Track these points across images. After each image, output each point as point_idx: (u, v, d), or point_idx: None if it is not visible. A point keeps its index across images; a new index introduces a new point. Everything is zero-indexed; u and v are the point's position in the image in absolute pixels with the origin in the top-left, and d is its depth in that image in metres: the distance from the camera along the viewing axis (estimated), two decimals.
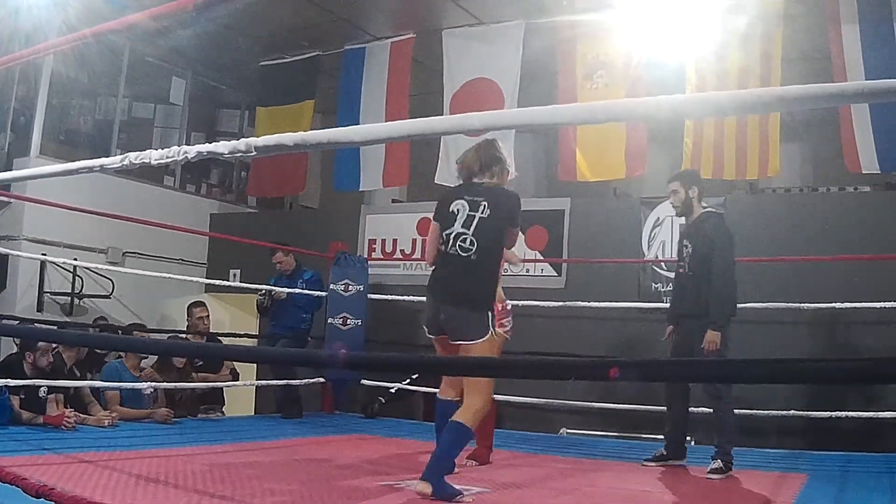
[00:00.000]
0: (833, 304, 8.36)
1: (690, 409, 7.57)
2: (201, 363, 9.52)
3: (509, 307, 6.88)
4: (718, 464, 6.54)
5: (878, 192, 9.89)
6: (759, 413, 8.32)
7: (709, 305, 6.72)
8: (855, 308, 8.31)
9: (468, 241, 5.51)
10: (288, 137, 3.08)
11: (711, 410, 6.98)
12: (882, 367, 2.31)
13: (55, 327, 8.85)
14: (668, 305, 7.77)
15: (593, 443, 8.80)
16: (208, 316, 9.98)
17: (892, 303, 7.92)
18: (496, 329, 6.06)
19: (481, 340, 5.42)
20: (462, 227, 5.54)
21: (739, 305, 7.21)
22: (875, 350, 8.46)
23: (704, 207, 7.10)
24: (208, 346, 8.54)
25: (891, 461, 7.44)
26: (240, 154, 3.22)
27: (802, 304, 8.44)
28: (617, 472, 6.88)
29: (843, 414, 8.09)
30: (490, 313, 5.52)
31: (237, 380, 9.97)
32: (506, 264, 6.70)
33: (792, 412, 8.23)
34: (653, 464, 7.02)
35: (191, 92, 13.25)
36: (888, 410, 7.91)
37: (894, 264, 7.92)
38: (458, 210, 5.60)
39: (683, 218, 7.34)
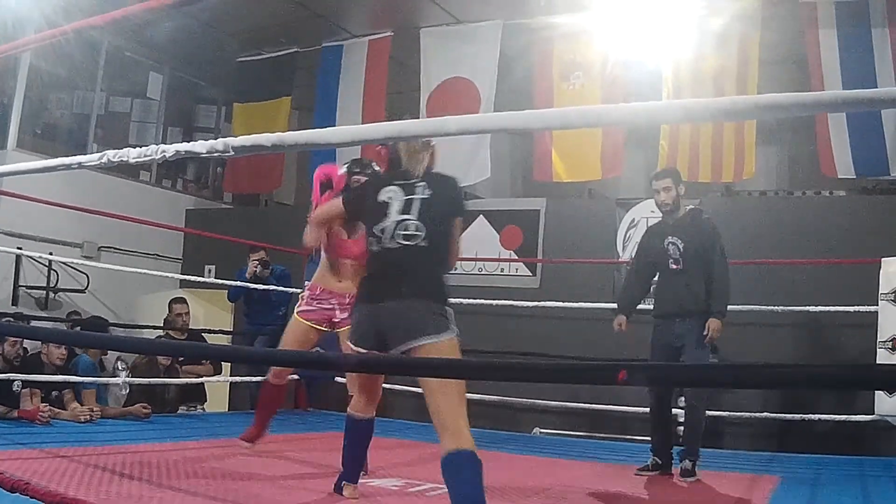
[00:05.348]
0: (807, 308, 8.41)
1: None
2: (183, 359, 9.53)
3: None
4: (688, 464, 6.54)
5: (853, 197, 9.94)
6: (732, 415, 8.38)
7: (710, 298, 6.56)
8: (829, 311, 8.35)
9: (413, 226, 4.39)
10: (265, 138, 3.09)
11: (685, 411, 6.90)
12: (857, 374, 2.34)
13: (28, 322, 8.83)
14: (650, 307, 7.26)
15: (567, 443, 8.82)
16: (188, 312, 9.98)
17: (866, 307, 7.97)
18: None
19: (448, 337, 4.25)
20: (401, 213, 4.42)
21: None
22: (849, 354, 8.51)
23: (685, 205, 6.98)
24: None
25: (863, 464, 7.50)
26: (217, 154, 3.22)
27: (777, 307, 8.48)
28: (590, 473, 6.89)
29: (816, 417, 8.15)
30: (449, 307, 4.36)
31: (220, 374, 9.99)
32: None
33: (765, 414, 8.28)
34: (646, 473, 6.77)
35: (168, 87, 13.21)
36: (861, 413, 7.97)
37: (868, 268, 7.94)
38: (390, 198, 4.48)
39: (663, 215, 7.00)
